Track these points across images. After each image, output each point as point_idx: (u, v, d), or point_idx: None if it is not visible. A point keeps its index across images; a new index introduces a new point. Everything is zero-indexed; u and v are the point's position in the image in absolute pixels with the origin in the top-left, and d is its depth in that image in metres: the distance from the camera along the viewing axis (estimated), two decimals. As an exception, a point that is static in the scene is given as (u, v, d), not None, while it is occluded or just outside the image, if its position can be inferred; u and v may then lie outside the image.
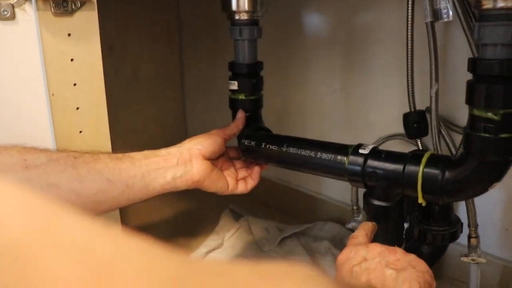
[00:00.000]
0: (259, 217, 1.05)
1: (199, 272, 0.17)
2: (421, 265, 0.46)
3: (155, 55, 1.33)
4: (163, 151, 0.68)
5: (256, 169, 0.77)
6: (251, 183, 0.76)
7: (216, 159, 0.74)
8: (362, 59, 0.92)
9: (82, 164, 0.60)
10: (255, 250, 0.96)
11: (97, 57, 0.71)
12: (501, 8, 0.47)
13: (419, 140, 0.80)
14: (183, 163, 0.67)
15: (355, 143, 0.66)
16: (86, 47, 0.69)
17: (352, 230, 0.94)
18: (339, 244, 0.95)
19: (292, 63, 1.03)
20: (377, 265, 0.45)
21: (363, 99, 0.93)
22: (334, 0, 0.93)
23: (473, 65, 0.51)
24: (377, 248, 0.47)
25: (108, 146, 0.75)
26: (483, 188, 0.55)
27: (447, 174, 0.55)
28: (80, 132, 0.71)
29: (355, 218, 0.89)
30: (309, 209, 1.06)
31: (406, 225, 0.74)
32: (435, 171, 0.56)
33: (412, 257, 0.47)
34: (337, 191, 1.01)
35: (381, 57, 0.89)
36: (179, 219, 1.15)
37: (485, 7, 0.48)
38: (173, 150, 0.68)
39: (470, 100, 0.52)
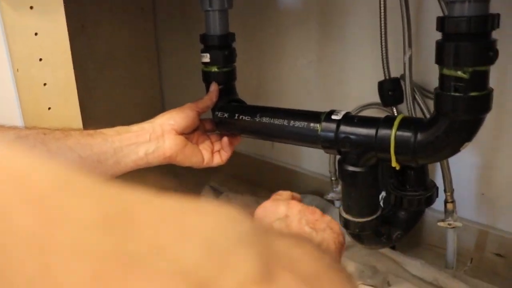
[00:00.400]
0: (240, 193, 1.05)
1: (130, 208, 0.16)
2: (337, 226, 0.47)
3: (130, 33, 1.30)
4: (135, 127, 0.67)
5: (225, 140, 0.76)
6: (225, 155, 0.75)
7: (191, 133, 0.73)
8: (337, 29, 0.91)
9: (53, 141, 0.58)
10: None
11: (62, 31, 0.69)
12: (467, -37, 0.46)
13: (394, 108, 0.80)
14: (155, 139, 0.66)
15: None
16: (51, 20, 0.67)
17: (331, 202, 0.94)
18: (319, 216, 0.95)
19: (268, 36, 1.02)
20: (297, 222, 0.45)
21: (339, 70, 0.92)
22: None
23: (441, 23, 0.51)
24: (298, 206, 0.47)
25: (79, 123, 0.73)
26: (455, 148, 0.54)
27: (419, 136, 0.55)
28: (49, 109, 0.69)
29: (334, 189, 0.89)
30: (289, 182, 1.06)
31: (384, 193, 0.74)
32: (407, 134, 0.55)
33: (329, 218, 0.47)
34: (316, 163, 1.01)
35: (355, 26, 0.88)
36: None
37: (451, -37, 0.48)
38: (145, 125, 0.67)
39: (440, 59, 0.52)
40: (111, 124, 1.27)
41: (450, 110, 0.52)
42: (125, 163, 0.63)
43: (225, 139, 0.75)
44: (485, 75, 0.51)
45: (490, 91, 0.52)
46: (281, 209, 0.47)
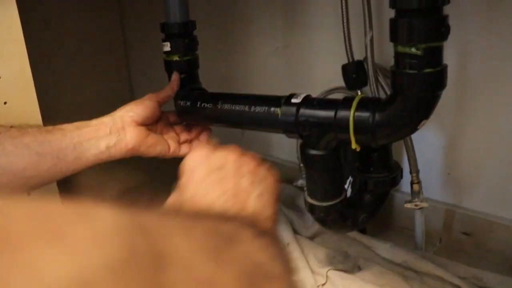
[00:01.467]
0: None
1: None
2: (276, 173, 0.42)
3: (96, 26, 1.28)
4: (95, 121, 0.66)
5: (206, 132, 0.75)
6: (196, 145, 0.75)
7: (155, 124, 0.72)
8: (302, 15, 0.90)
9: (8, 139, 0.57)
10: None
11: (14, 21, 0.66)
12: None
13: (359, 91, 0.80)
14: (116, 132, 0.65)
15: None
16: (1, 11, 0.65)
17: (300, 188, 0.94)
18: (290, 204, 0.95)
19: (233, 24, 1.01)
20: (233, 173, 0.38)
21: (306, 55, 0.92)
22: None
23: (393, 0, 0.50)
24: (236, 151, 0.41)
25: (37, 118, 0.71)
26: (413, 127, 0.54)
27: (377, 115, 0.55)
28: (5, 103, 0.67)
29: (303, 176, 0.89)
30: (260, 172, 1.05)
31: (351, 178, 0.74)
32: (366, 114, 0.55)
33: (269, 164, 0.43)
34: (286, 151, 1.00)
35: (319, 11, 0.87)
36: (130, 195, 1.12)
37: None
38: (105, 119, 0.67)
39: (394, 37, 0.52)
40: (82, 117, 1.25)
41: (405, 87, 0.52)
42: (86, 158, 0.63)
43: (205, 131, 0.75)
44: (438, 51, 0.51)
45: (444, 67, 0.52)
46: (217, 157, 0.40)
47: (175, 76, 0.75)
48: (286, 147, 0.99)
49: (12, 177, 0.57)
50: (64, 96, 1.24)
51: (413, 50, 0.50)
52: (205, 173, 0.38)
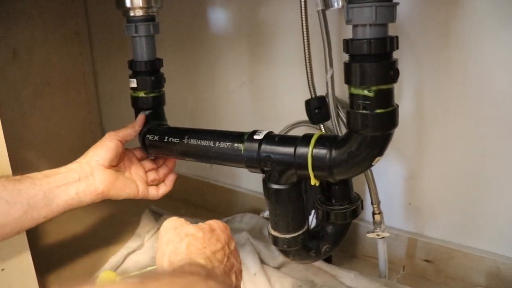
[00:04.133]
0: (180, 216, 1.05)
1: None
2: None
3: (65, 58, 1.29)
4: (64, 168, 0.68)
5: (171, 177, 0.78)
6: (164, 189, 0.77)
7: (122, 162, 0.73)
8: (266, 51, 0.93)
9: None
10: (176, 247, 0.95)
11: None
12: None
13: (322, 125, 0.83)
14: (85, 177, 0.67)
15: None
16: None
17: (267, 219, 0.95)
18: (258, 234, 0.96)
19: (201, 59, 1.04)
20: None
21: (270, 90, 0.95)
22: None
23: (346, 46, 0.54)
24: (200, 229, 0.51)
25: (3, 153, 0.71)
26: (367, 163, 0.57)
27: (333, 152, 0.57)
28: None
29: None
30: (229, 202, 1.07)
31: (314, 211, 0.76)
32: (323, 151, 0.58)
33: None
34: (254, 182, 1.02)
35: (283, 47, 0.91)
36: (100, 224, 1.12)
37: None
38: (73, 165, 0.69)
39: (348, 79, 0.55)
40: (49, 150, 1.24)
41: (359, 127, 0.55)
42: (57, 204, 0.64)
43: (171, 175, 0.77)
44: (389, 93, 0.54)
45: (395, 107, 0.55)
46: (189, 229, 0.51)
47: (140, 116, 0.76)
48: (253, 178, 1.00)
49: None
50: (31, 128, 1.24)
51: (365, 92, 0.53)
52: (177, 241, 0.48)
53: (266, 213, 0.91)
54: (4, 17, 1.14)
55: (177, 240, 0.48)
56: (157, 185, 0.77)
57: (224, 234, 0.51)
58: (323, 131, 0.83)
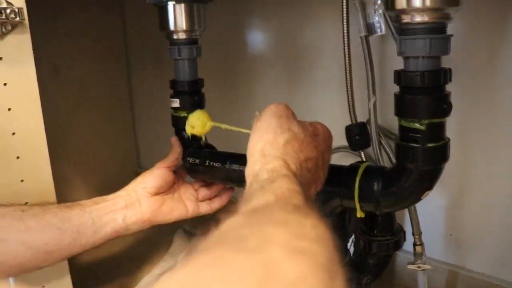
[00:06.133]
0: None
1: None
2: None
3: (103, 75, 1.31)
4: (111, 196, 0.69)
5: (229, 192, 0.77)
6: (218, 203, 0.76)
7: (171, 187, 0.74)
8: (305, 74, 0.93)
9: (30, 217, 0.60)
10: (209, 269, 0.95)
11: (32, 81, 0.69)
12: (418, 23, 0.49)
13: (362, 152, 0.82)
14: (131, 205, 0.68)
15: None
16: (20, 70, 0.68)
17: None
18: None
19: (238, 81, 1.04)
20: (305, 141, 0.48)
21: (308, 113, 0.94)
22: (275, 18, 0.95)
23: (398, 77, 0.53)
24: (305, 126, 0.51)
25: (48, 171, 0.72)
26: (417, 197, 0.56)
27: (381, 184, 0.56)
28: (18, 158, 0.69)
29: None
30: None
31: (353, 238, 0.75)
32: (371, 182, 0.57)
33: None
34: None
35: (323, 71, 0.90)
36: (133, 243, 1.13)
37: (404, 21, 0.50)
38: (120, 193, 0.70)
39: (398, 111, 0.54)
40: (83, 166, 1.26)
41: (409, 160, 0.54)
42: (105, 232, 0.65)
43: (229, 190, 0.77)
44: (441, 127, 0.53)
45: (447, 141, 0.54)
46: (287, 122, 0.50)
47: (174, 140, 0.77)
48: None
49: (36, 252, 0.59)
50: (66, 143, 1.25)
51: (417, 125, 0.52)
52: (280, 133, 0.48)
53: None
54: (47, 35, 1.17)
55: (279, 132, 0.46)
56: (210, 199, 0.76)
57: (324, 143, 0.49)
58: (363, 158, 0.82)
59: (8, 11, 0.63)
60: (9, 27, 0.65)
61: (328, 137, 0.52)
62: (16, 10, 0.64)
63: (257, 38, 1.00)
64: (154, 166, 0.72)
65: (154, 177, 0.70)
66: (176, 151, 0.74)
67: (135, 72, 1.34)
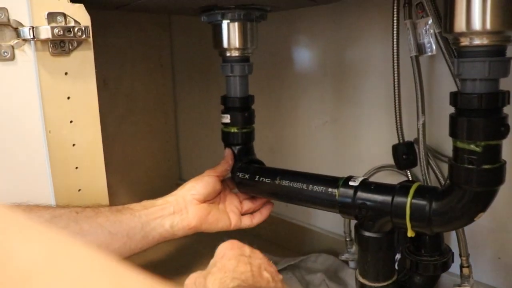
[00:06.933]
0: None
1: None
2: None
3: (149, 89, 1.35)
4: (160, 200, 0.70)
5: (268, 206, 0.79)
6: (259, 218, 0.78)
7: (217, 196, 0.75)
8: (352, 92, 0.94)
9: (84, 219, 0.63)
10: (250, 283, 0.96)
11: (93, 95, 0.73)
12: (477, 45, 0.50)
13: (408, 171, 0.82)
14: (179, 211, 0.69)
15: (346, 174, 0.67)
16: (82, 85, 0.71)
17: (346, 262, 0.94)
18: (333, 276, 0.95)
19: (284, 96, 1.06)
20: (257, 265, 0.49)
21: (353, 131, 0.95)
22: (323, 36, 0.97)
23: (454, 99, 0.54)
24: (260, 255, 0.52)
25: (103, 181, 0.76)
26: (470, 218, 0.56)
27: (434, 204, 0.56)
28: (76, 168, 0.72)
29: (348, 250, 0.90)
30: (303, 241, 1.06)
31: (398, 256, 0.75)
32: (423, 202, 0.57)
33: (281, 277, 0.51)
34: (330, 222, 1.02)
35: (370, 89, 0.91)
36: (174, 253, 1.15)
37: (462, 44, 0.51)
38: (169, 198, 0.71)
39: (453, 132, 0.54)
40: (128, 176, 1.29)
41: (463, 181, 0.54)
42: (153, 237, 0.67)
43: (269, 204, 0.78)
44: (497, 149, 0.53)
45: (503, 163, 0.54)
46: (247, 250, 0.52)
47: (227, 152, 0.79)
48: (329, 218, 1.00)
49: None
50: (113, 153, 1.29)
51: (473, 147, 0.52)
52: (237, 254, 0.49)
53: (345, 256, 0.90)
54: (98, 49, 1.22)
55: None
56: (251, 213, 0.77)
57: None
58: (409, 177, 0.82)
59: (76, 29, 0.67)
60: (75, 44, 0.69)
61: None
62: (83, 28, 0.68)
63: (304, 56, 1.02)
64: (204, 173, 0.74)
65: (204, 184, 0.71)
66: (227, 163, 0.76)
67: (180, 86, 1.38)
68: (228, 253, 0.50)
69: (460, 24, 0.50)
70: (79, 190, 0.73)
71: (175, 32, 1.35)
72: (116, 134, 1.31)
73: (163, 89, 1.39)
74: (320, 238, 1.04)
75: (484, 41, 0.49)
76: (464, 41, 0.51)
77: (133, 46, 1.31)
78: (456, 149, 0.55)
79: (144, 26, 1.32)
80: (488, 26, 0.48)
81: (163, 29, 1.37)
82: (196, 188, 0.71)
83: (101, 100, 1.25)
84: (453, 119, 0.54)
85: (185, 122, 1.39)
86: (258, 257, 0.51)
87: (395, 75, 0.77)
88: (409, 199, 0.58)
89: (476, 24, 0.49)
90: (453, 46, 0.54)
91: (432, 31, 0.72)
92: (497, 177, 0.54)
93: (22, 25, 0.62)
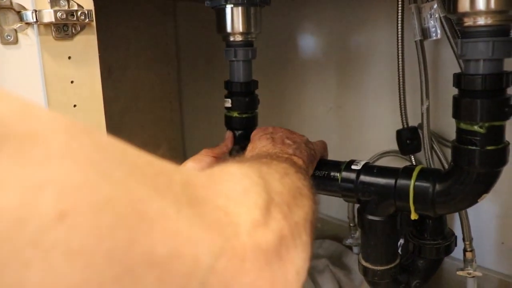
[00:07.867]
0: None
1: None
2: (314, 145, 0.65)
3: (154, 77, 1.35)
4: None
5: None
6: None
7: None
8: (356, 78, 0.94)
9: None
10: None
11: (96, 79, 0.73)
12: (481, 25, 0.49)
13: (412, 156, 0.81)
14: None
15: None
16: (86, 69, 0.72)
17: (349, 247, 0.94)
18: (337, 261, 0.95)
19: (289, 83, 1.05)
20: (279, 136, 0.61)
21: (358, 117, 0.95)
22: (327, 22, 0.96)
23: (457, 80, 0.53)
24: (282, 129, 0.65)
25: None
26: (473, 200, 0.56)
27: (437, 186, 0.56)
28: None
29: (352, 235, 0.90)
30: (307, 227, 1.07)
31: (402, 241, 0.75)
32: (426, 184, 0.57)
33: (306, 138, 0.64)
34: (334, 208, 1.02)
35: (374, 75, 0.91)
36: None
37: (466, 24, 0.51)
38: None
39: (457, 114, 0.54)
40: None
41: (467, 163, 0.54)
42: None
43: None
44: (501, 130, 0.53)
45: (506, 144, 0.54)
46: (269, 129, 0.65)
47: (228, 134, 0.79)
48: (333, 204, 1.00)
49: None
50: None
51: (476, 128, 0.52)
52: (262, 135, 0.63)
53: (348, 241, 0.90)
54: (103, 37, 1.22)
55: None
56: None
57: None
58: (413, 162, 0.82)
59: (79, 13, 0.67)
60: (78, 28, 0.69)
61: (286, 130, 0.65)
62: (86, 12, 0.68)
63: (309, 42, 1.01)
64: (200, 152, 0.73)
65: (203, 164, 0.71)
66: (226, 145, 0.76)
67: (185, 74, 1.38)
68: (254, 137, 0.64)
69: (463, 4, 0.49)
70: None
71: (180, 20, 1.35)
72: (120, 122, 1.31)
73: (167, 78, 1.39)
74: (325, 224, 1.04)
75: (488, 20, 0.49)
76: (468, 21, 0.50)
77: (138, 34, 1.31)
78: (459, 131, 0.54)
79: (149, 13, 1.32)
80: (492, 5, 0.48)
81: (168, 16, 1.36)
82: (193, 166, 0.71)
83: (106, 88, 1.26)
84: (456, 100, 0.54)
85: (191, 110, 1.39)
86: (279, 131, 0.63)
87: (400, 60, 0.76)
88: (412, 181, 0.58)
89: (480, 4, 0.48)
90: (456, 27, 0.54)
91: (437, 15, 0.71)
92: (500, 158, 0.53)
93: (25, 8, 0.62)
